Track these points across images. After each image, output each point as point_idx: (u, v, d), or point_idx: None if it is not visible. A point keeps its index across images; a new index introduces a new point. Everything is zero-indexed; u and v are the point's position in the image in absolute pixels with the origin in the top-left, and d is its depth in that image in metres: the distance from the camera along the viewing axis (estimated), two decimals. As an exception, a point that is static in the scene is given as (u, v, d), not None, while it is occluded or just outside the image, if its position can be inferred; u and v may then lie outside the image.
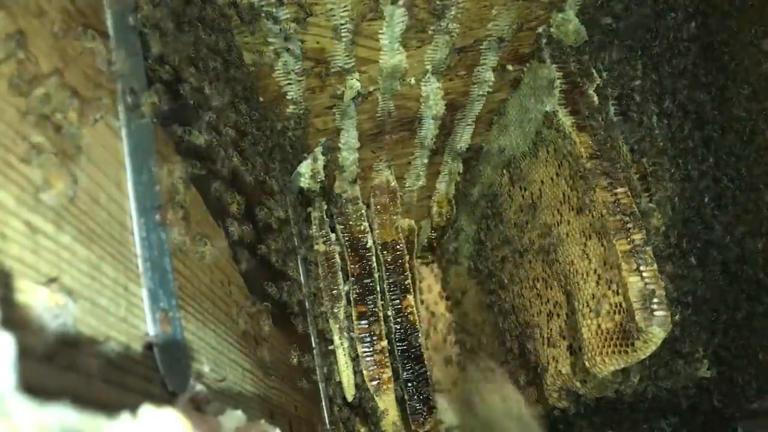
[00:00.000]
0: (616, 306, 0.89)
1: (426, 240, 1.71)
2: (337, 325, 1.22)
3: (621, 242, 0.87)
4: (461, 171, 1.45)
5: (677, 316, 0.87)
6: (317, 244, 1.27)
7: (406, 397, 1.33)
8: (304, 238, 1.21)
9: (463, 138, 1.33)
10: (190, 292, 0.52)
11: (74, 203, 0.37)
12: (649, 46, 0.85)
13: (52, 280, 0.32)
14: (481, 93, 1.20)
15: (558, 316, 1.05)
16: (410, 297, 1.35)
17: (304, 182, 1.24)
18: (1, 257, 0.29)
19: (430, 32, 1.00)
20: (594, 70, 0.95)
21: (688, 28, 0.79)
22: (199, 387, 0.42)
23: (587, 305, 0.94)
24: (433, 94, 1.16)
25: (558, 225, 1.05)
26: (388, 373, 1.29)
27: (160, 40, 0.57)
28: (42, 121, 0.35)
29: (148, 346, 0.42)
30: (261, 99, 1.02)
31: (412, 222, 1.61)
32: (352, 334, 1.26)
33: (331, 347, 1.21)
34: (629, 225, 0.88)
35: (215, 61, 0.76)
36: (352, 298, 1.28)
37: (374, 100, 1.15)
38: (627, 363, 0.85)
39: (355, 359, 1.28)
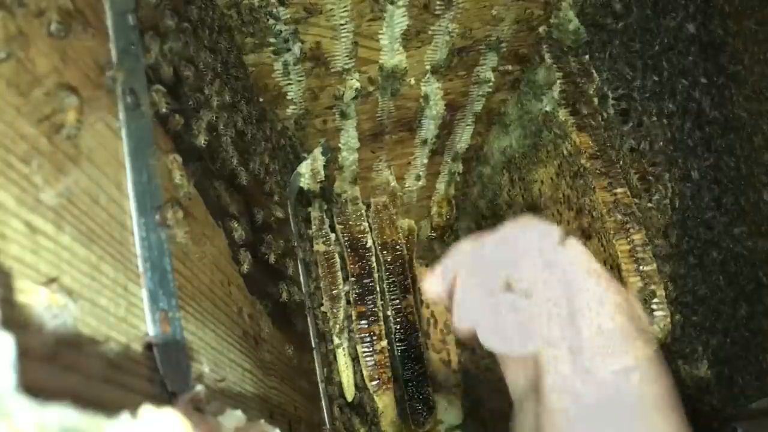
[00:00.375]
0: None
1: (426, 240, 1.71)
2: (337, 325, 1.22)
3: (621, 242, 0.87)
4: (461, 171, 1.45)
5: (677, 316, 0.87)
6: (317, 244, 1.27)
7: (405, 397, 1.33)
8: (304, 238, 1.21)
9: (463, 138, 1.33)
10: (189, 292, 0.52)
11: (74, 203, 0.37)
12: (649, 46, 0.85)
13: (51, 281, 0.32)
14: (481, 93, 1.20)
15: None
16: (410, 297, 1.35)
17: (304, 182, 1.24)
18: (1, 257, 0.29)
19: (430, 32, 1.00)
20: (594, 70, 0.95)
21: (688, 28, 0.79)
22: (198, 387, 0.42)
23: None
24: (433, 94, 1.16)
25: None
26: (388, 373, 1.29)
27: (160, 39, 0.57)
28: (42, 122, 0.35)
29: (148, 347, 0.42)
30: (261, 99, 1.02)
31: (412, 222, 1.61)
32: (352, 334, 1.26)
33: (331, 347, 1.21)
34: (629, 225, 0.88)
35: (215, 60, 0.76)
36: (351, 298, 1.28)
37: (374, 100, 1.15)
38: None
39: (355, 359, 1.28)
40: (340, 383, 1.23)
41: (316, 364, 1.08)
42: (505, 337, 0.52)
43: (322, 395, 1.06)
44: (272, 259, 0.85)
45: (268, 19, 0.88)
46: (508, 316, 0.51)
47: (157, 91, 0.52)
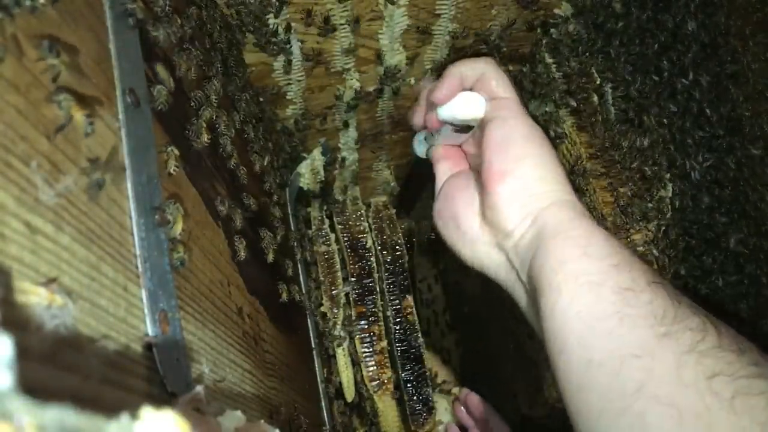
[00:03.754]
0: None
1: (426, 240, 1.71)
2: (337, 326, 1.22)
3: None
4: (461, 171, 1.44)
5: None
6: (317, 244, 1.27)
7: (405, 397, 1.33)
8: (304, 238, 1.21)
9: (463, 138, 1.33)
10: (189, 292, 0.52)
11: (73, 204, 0.37)
12: (649, 46, 0.85)
13: (51, 281, 0.32)
14: (481, 93, 1.19)
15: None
16: (410, 297, 1.35)
17: (304, 182, 1.24)
18: (1, 257, 0.29)
19: (430, 32, 1.00)
20: (594, 70, 0.95)
21: (688, 28, 0.79)
22: (198, 388, 0.42)
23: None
24: (432, 94, 1.16)
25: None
26: (388, 373, 1.29)
27: (160, 39, 0.57)
28: (41, 122, 0.35)
29: (148, 347, 0.42)
30: (261, 99, 1.02)
31: (412, 222, 1.61)
32: (351, 334, 1.26)
33: (330, 347, 1.21)
34: (629, 225, 0.88)
35: (215, 60, 0.76)
36: (351, 299, 1.28)
37: (374, 100, 1.14)
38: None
39: (355, 359, 1.28)
40: (340, 383, 1.23)
41: (316, 365, 1.08)
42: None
43: (321, 395, 1.06)
44: (270, 258, 0.85)
45: (267, 19, 0.88)
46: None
47: (157, 91, 0.52)
